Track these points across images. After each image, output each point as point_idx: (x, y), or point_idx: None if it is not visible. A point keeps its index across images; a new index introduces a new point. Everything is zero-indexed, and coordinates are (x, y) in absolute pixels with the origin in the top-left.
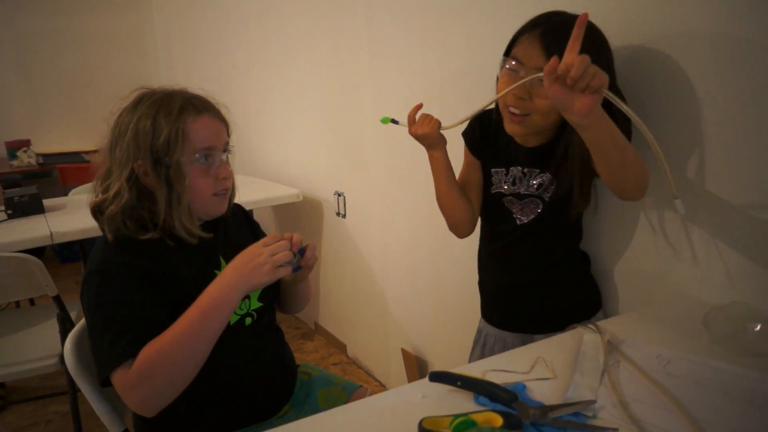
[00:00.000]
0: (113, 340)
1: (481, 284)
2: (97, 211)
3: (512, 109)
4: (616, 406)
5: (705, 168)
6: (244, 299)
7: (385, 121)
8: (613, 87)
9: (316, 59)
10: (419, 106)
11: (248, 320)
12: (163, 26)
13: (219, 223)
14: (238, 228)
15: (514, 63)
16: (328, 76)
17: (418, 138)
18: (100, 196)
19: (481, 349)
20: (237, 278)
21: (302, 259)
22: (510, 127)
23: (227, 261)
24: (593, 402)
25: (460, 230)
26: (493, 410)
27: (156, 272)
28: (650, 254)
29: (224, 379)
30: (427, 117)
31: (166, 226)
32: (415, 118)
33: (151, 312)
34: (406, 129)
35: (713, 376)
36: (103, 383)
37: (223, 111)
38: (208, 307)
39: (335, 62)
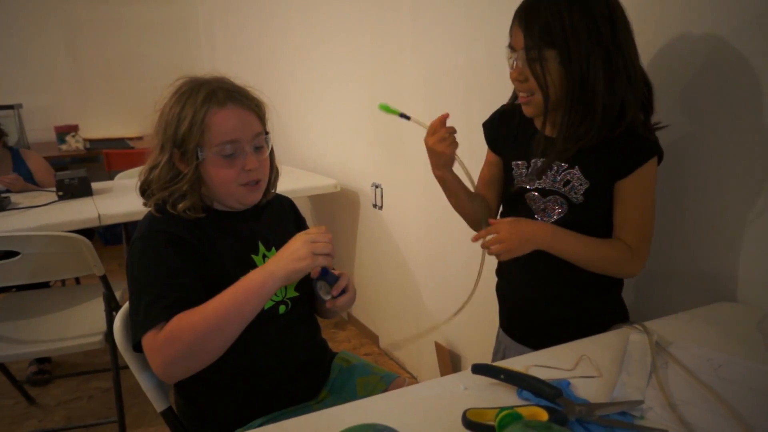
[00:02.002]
0: (150, 303)
1: (501, 293)
2: (143, 190)
3: (520, 93)
4: (664, 408)
5: (754, 167)
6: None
7: (384, 108)
8: (613, 62)
9: (358, 50)
10: (445, 117)
11: (282, 308)
12: (206, 16)
13: (263, 210)
14: (284, 219)
15: (508, 53)
16: (369, 67)
17: (432, 153)
18: (143, 177)
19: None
20: (274, 265)
21: (335, 298)
22: (525, 110)
23: (266, 247)
24: (641, 402)
25: (478, 230)
26: (538, 405)
27: (196, 245)
28: (702, 255)
29: (257, 364)
30: (452, 135)
31: (205, 203)
32: (436, 129)
33: (188, 280)
34: (418, 127)
35: None
36: (136, 348)
37: (258, 100)
38: (243, 291)
39: (377, 53)
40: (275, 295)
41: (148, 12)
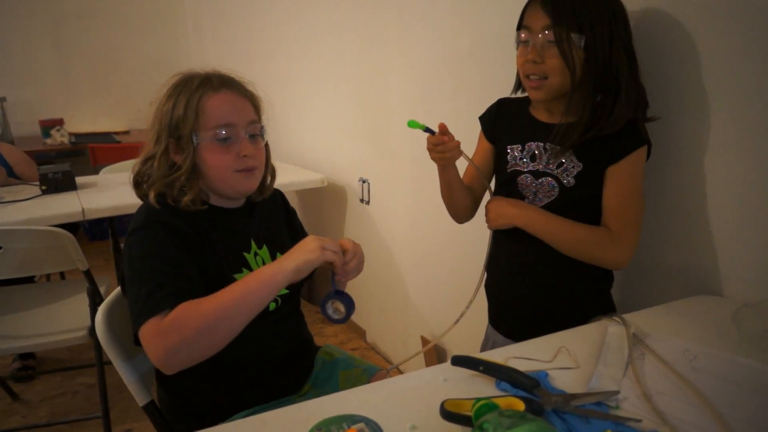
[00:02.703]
0: (151, 291)
1: (489, 288)
2: (137, 182)
3: (531, 77)
4: (639, 398)
5: (737, 161)
6: None
7: (413, 125)
8: (624, 46)
9: (345, 45)
10: (453, 142)
11: (272, 305)
12: (194, 9)
13: (257, 206)
14: (276, 214)
15: (523, 35)
16: (356, 62)
17: (441, 157)
18: (137, 168)
19: None
20: (284, 260)
21: (341, 321)
22: (533, 94)
23: (258, 245)
24: (616, 393)
25: (461, 218)
26: (515, 396)
27: (194, 237)
28: (679, 249)
29: (242, 358)
30: (458, 148)
31: (202, 197)
32: (439, 144)
33: (188, 270)
34: (404, 122)
35: (742, 373)
36: (136, 341)
37: (253, 92)
38: (254, 281)
39: (363, 48)
40: None
41: (134, 4)
